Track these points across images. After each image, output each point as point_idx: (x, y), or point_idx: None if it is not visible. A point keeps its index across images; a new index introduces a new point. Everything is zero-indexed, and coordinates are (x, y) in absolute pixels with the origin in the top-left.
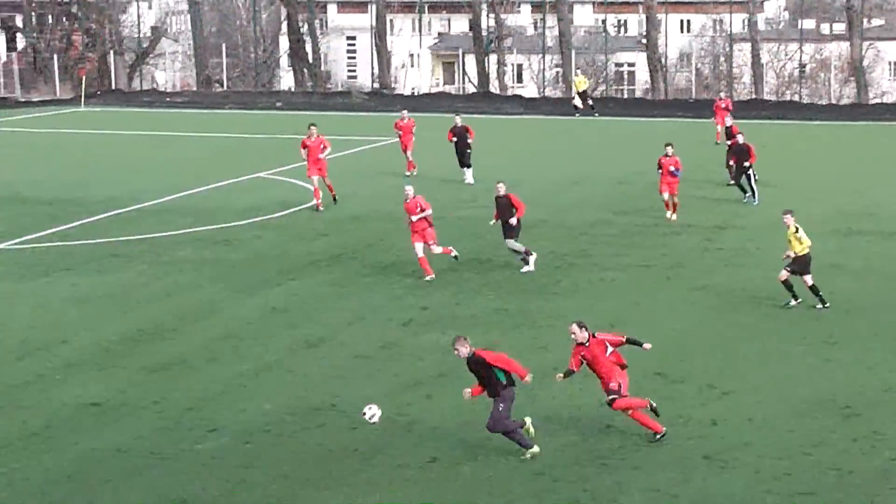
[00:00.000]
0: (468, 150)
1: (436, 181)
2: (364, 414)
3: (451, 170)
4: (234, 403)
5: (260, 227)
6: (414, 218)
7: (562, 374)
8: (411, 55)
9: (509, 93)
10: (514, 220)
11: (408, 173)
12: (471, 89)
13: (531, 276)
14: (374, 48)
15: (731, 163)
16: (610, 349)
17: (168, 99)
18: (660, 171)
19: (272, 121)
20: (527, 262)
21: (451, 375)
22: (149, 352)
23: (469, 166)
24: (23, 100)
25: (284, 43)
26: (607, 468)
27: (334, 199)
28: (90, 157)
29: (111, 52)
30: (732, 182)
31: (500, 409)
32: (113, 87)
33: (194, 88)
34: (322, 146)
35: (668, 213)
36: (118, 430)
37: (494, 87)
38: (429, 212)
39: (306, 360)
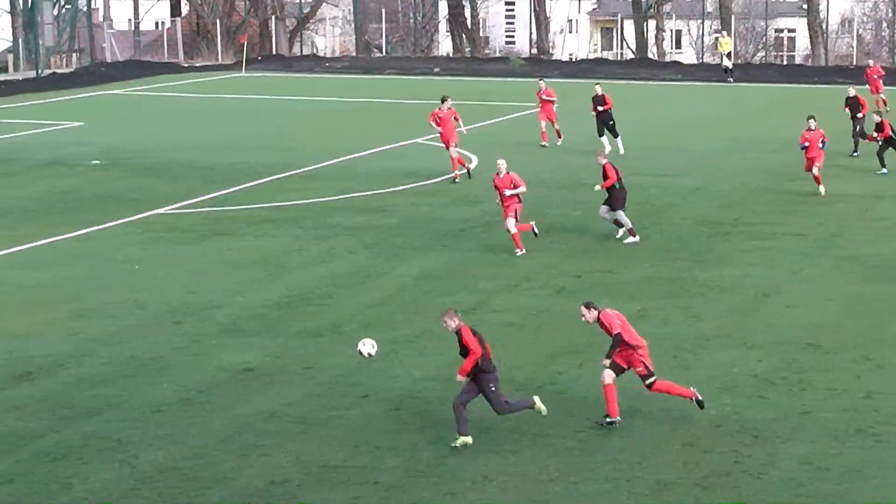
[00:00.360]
0: (611, 121)
1: (586, 152)
2: (363, 351)
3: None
4: (385, 370)
5: (415, 193)
6: (507, 192)
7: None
8: (569, 20)
9: (667, 59)
10: (597, 187)
11: (544, 143)
12: (629, 55)
13: (685, 244)
14: (533, 13)
15: (875, 135)
16: (616, 330)
17: (327, 64)
18: (804, 147)
19: (430, 86)
20: (632, 235)
21: (604, 345)
22: (302, 317)
23: (616, 135)
24: (186, 65)
25: (443, 8)
26: (758, 440)
27: (464, 176)
28: (250, 123)
29: (272, 17)
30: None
31: (493, 390)
32: (273, 52)
33: (353, 54)
34: (455, 118)
35: (822, 189)
36: (270, 395)
37: (652, 53)
38: (521, 189)
39: None
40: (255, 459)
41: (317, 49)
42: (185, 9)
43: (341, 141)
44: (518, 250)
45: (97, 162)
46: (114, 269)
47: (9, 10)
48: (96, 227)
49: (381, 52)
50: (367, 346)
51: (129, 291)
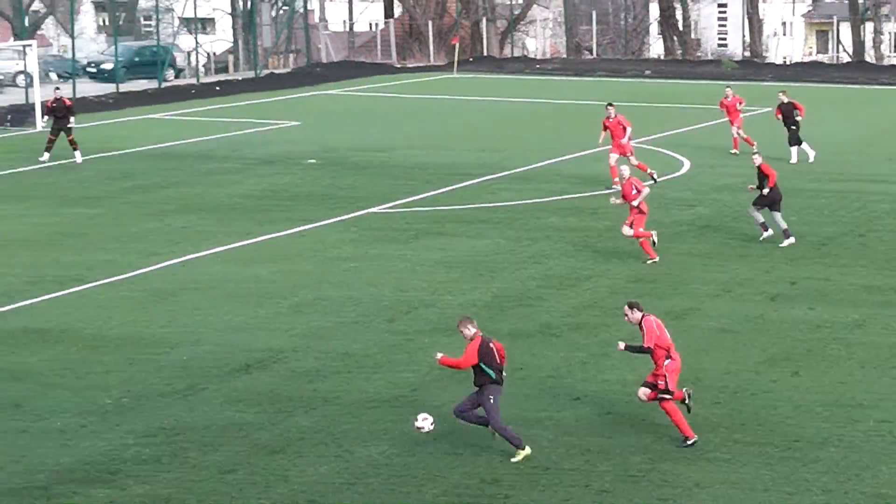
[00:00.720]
0: (794, 128)
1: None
2: (420, 425)
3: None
4: (596, 373)
5: None
6: (634, 203)
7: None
8: (783, 23)
9: (885, 62)
10: (765, 191)
11: (733, 151)
12: (845, 58)
13: None
14: (746, 15)
15: None
16: (648, 345)
17: (538, 66)
18: None
19: (641, 89)
20: (764, 229)
21: (820, 353)
22: (514, 318)
23: (797, 144)
24: (399, 66)
25: (655, 10)
26: None
27: (652, 177)
28: (462, 124)
29: (483, 19)
30: None
31: (491, 401)
32: (484, 53)
33: (563, 55)
34: (621, 126)
35: None
36: None
37: (870, 57)
38: (645, 192)
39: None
40: (467, 458)
41: (527, 51)
42: (397, 10)
43: (553, 142)
44: (650, 257)
45: (313, 161)
46: (329, 267)
47: (230, 12)
48: (311, 225)
49: (592, 54)
50: (424, 423)
51: (343, 288)
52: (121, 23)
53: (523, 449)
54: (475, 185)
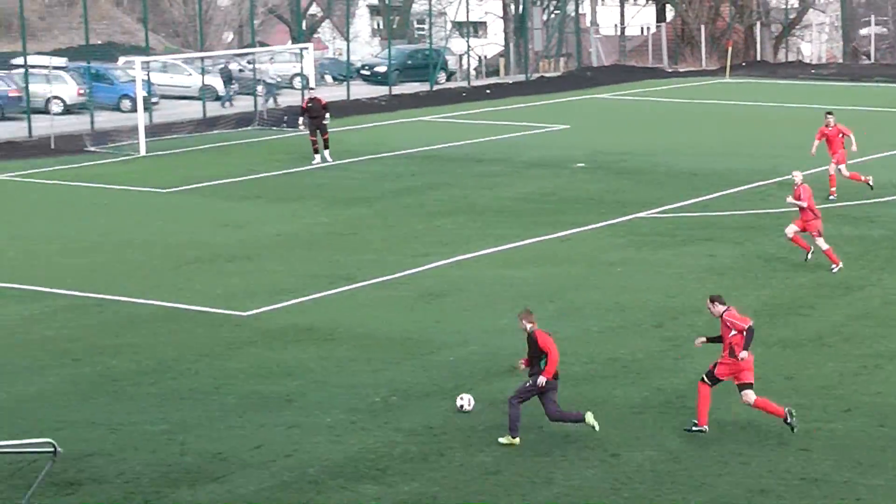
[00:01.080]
0: None
1: None
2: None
3: None
4: (869, 385)
5: None
6: (803, 205)
7: (704, 338)
8: None
9: None
10: None
11: None
12: None
13: None
14: None
15: None
16: (733, 332)
17: (813, 71)
18: None
19: None
20: None
21: None
22: (783, 326)
23: None
24: (669, 70)
25: None
26: None
27: (868, 185)
28: (733, 129)
29: (758, 23)
30: None
31: (527, 385)
32: (758, 58)
33: (840, 60)
34: (840, 134)
35: None
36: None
37: None
38: (802, 203)
39: None
40: (734, 467)
41: (802, 55)
42: (669, 14)
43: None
44: (834, 265)
45: (581, 165)
46: (596, 271)
47: (501, 15)
48: (579, 229)
49: (870, 59)
50: (465, 402)
51: (610, 293)
52: (394, 26)
53: (514, 440)
54: (745, 190)
